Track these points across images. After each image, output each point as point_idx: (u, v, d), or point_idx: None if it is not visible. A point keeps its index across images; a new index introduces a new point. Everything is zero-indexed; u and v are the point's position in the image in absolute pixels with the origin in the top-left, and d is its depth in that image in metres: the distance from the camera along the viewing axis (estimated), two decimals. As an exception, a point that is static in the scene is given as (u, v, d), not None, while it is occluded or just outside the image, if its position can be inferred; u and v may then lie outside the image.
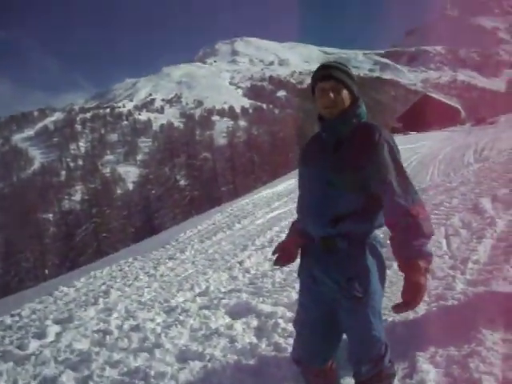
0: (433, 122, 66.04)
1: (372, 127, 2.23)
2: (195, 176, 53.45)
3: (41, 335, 5.33)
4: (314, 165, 2.35)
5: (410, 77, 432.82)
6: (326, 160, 2.28)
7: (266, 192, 16.24)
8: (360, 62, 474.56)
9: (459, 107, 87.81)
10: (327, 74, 2.25)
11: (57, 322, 5.83)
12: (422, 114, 71.47)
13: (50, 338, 5.22)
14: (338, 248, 2.26)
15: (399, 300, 4.45)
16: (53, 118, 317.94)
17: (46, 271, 43.72)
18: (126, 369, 3.97)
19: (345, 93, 2.26)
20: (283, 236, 8.12)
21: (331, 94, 2.24)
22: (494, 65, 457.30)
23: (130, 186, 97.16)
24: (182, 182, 54.07)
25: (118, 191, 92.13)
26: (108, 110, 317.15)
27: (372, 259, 2.28)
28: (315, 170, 2.33)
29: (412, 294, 2.07)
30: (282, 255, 2.57)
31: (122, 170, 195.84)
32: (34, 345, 4.96)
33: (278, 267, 6.54)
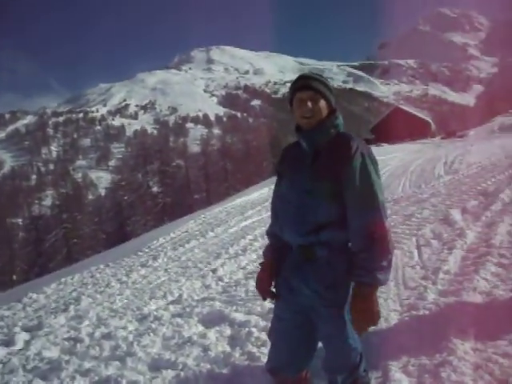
0: (404, 134, 67.06)
1: (350, 139, 2.24)
2: (168, 183, 53.16)
3: (9, 343, 5.22)
4: (293, 174, 2.35)
5: (382, 89, 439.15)
6: (304, 169, 2.29)
7: (239, 200, 16.23)
8: (334, 74, 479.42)
9: (430, 120, 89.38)
10: (306, 84, 2.27)
11: (26, 329, 5.71)
12: (393, 126, 72.43)
13: (19, 345, 5.12)
14: (317, 256, 2.26)
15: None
16: (24, 121, 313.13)
17: (14, 277, 42.79)
18: (96, 377, 3.91)
19: (322, 103, 2.28)
20: (256, 244, 8.17)
21: (309, 104, 2.25)
22: (464, 80, 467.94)
23: (102, 192, 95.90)
24: (155, 189, 53.74)
25: (90, 197, 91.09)
26: (81, 115, 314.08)
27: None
28: (293, 179, 2.34)
29: (358, 323, 2.16)
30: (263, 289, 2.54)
31: (94, 175, 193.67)
32: (1, 352, 4.86)
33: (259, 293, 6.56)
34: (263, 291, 2.50)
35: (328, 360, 2.41)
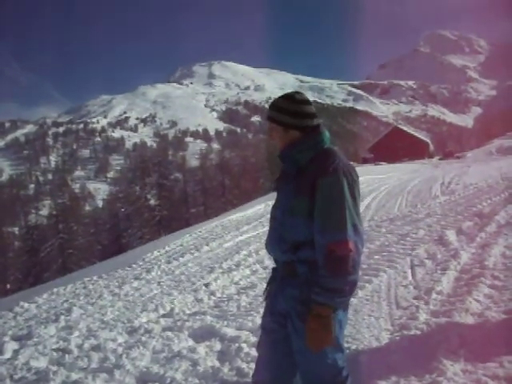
0: (402, 154, 67.39)
1: (330, 155, 2.29)
2: (165, 196, 52.98)
3: (-3, 351, 5.17)
4: (279, 192, 2.47)
5: (382, 109, 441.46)
6: (286, 187, 2.38)
7: (235, 215, 16.20)
8: (334, 92, 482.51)
9: (428, 141, 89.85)
10: (267, 116, 2.44)
11: (15, 338, 5.66)
12: (392, 146, 72.94)
13: (7, 354, 5.07)
14: (297, 273, 2.30)
15: (364, 328, 4.49)
16: (24, 131, 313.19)
17: (8, 286, 42.52)
18: (84, 389, 3.88)
19: (277, 129, 2.41)
20: (250, 260, 8.17)
21: (270, 134, 2.45)
22: (463, 102, 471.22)
23: (100, 204, 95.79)
24: (152, 202, 53.53)
25: (87, 208, 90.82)
26: (81, 126, 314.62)
27: None
28: (279, 196, 2.45)
29: (310, 342, 2.16)
30: None
31: (92, 186, 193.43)
32: (-11, 361, 4.81)
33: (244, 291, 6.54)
34: None
35: (302, 376, 2.40)
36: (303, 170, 2.30)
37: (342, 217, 2.14)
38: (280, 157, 2.44)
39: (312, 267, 2.24)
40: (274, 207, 2.47)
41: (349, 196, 2.18)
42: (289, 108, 2.36)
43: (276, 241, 2.39)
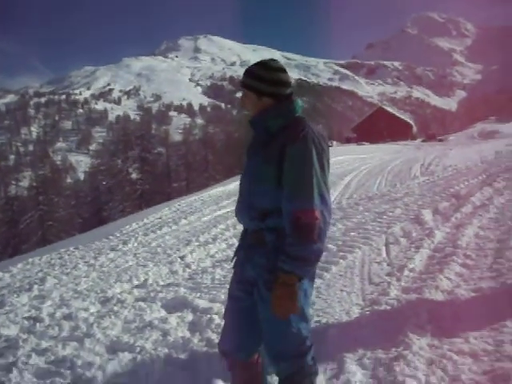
0: (386, 135, 67.72)
1: (300, 123, 2.27)
2: (148, 170, 52.67)
3: (-32, 319, 5.13)
4: (247, 160, 2.44)
5: (367, 89, 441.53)
6: (256, 155, 2.35)
7: (216, 190, 16.19)
8: (320, 71, 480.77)
9: (412, 122, 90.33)
10: (240, 81, 2.41)
11: (-13, 306, 5.62)
12: (375, 126, 73.20)
13: (-22, 322, 5.02)
14: (265, 241, 2.29)
15: (335, 302, 4.54)
16: (5, 100, 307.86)
17: (-14, 256, 42.15)
18: (53, 357, 3.87)
19: (249, 95, 2.37)
20: (227, 234, 8.18)
21: (243, 101, 2.42)
22: (448, 85, 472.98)
23: (81, 176, 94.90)
24: (134, 176, 53.19)
25: (68, 180, 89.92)
26: (64, 97, 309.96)
27: None
28: (247, 165, 2.43)
29: (275, 310, 2.16)
30: None
31: (73, 158, 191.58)
32: (-41, 329, 4.76)
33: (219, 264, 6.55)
34: None
35: (267, 344, 2.40)
36: (273, 137, 2.28)
37: (309, 185, 2.12)
38: (251, 123, 2.41)
39: (280, 235, 2.24)
40: (243, 175, 2.45)
41: (317, 164, 2.16)
42: (263, 75, 2.33)
43: (245, 208, 2.38)
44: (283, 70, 2.38)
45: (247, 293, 2.41)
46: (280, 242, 2.22)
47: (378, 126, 73.09)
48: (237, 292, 2.48)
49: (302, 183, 2.14)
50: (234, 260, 2.56)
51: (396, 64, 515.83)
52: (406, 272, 5.21)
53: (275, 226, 2.26)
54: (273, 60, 2.43)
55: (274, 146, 2.24)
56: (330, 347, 3.58)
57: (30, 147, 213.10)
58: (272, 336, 2.34)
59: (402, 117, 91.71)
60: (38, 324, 4.70)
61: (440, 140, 59.96)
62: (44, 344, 4.15)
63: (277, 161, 2.20)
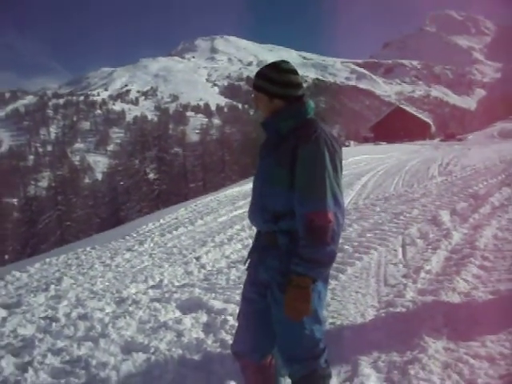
0: (403, 135, 67.24)
1: (312, 124, 2.26)
2: (165, 170, 52.90)
3: (-14, 319, 5.19)
4: (260, 162, 2.44)
5: (385, 88, 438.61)
6: (267, 157, 2.35)
7: (232, 190, 16.21)
8: (337, 70, 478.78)
9: (430, 122, 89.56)
10: (252, 84, 2.42)
11: (4, 306, 5.68)
12: (393, 126, 72.73)
13: (-4, 322, 5.09)
14: (278, 243, 2.29)
15: (350, 304, 4.50)
16: (24, 101, 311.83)
17: (6, 256, 42.65)
18: (68, 357, 3.90)
19: (262, 98, 2.38)
20: (243, 234, 8.17)
21: (255, 103, 2.43)
22: (467, 83, 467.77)
23: (99, 176, 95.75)
24: (151, 176, 53.43)
25: (86, 180, 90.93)
26: (82, 98, 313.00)
27: None
28: (259, 166, 2.43)
29: (288, 312, 2.16)
30: None
31: (91, 159, 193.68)
32: (-23, 328, 4.82)
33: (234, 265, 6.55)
34: None
35: (280, 346, 2.40)
36: (284, 139, 2.27)
37: (322, 187, 2.11)
38: (263, 125, 2.42)
39: (293, 238, 2.24)
40: (256, 177, 2.45)
41: (330, 166, 2.15)
42: (274, 77, 2.33)
43: (258, 210, 2.37)
44: (294, 72, 2.37)
45: (260, 295, 2.41)
46: (293, 245, 2.22)
47: (395, 126, 72.61)
48: (250, 294, 2.48)
49: (314, 185, 2.13)
50: (248, 262, 2.56)
51: (414, 63, 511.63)
52: (423, 274, 5.16)
53: (288, 228, 2.26)
54: (284, 62, 2.42)
55: (285, 148, 2.24)
56: (344, 349, 3.56)
57: (49, 148, 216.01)
58: (285, 338, 2.33)
59: (420, 116, 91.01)
60: (54, 324, 4.74)
61: (459, 139, 59.35)
62: (59, 344, 4.18)
63: (289, 163, 2.20)
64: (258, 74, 2.40)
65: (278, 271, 2.27)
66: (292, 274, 2.13)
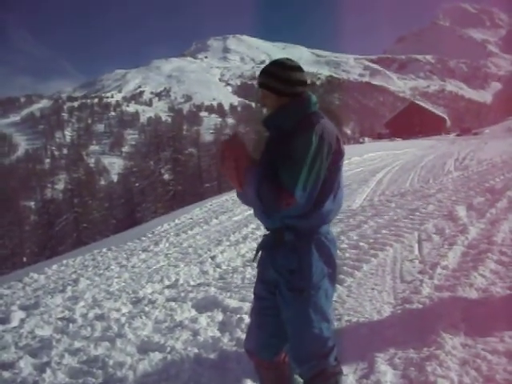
0: (419, 130, 66.77)
1: (310, 118, 2.25)
2: (180, 171, 53.15)
3: (5, 320, 5.27)
4: (263, 159, 2.39)
5: (399, 84, 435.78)
6: (270, 153, 2.33)
7: (247, 190, 16.20)
8: (351, 67, 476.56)
9: (445, 117, 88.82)
10: (258, 83, 2.43)
11: (22, 307, 5.75)
12: (408, 122, 72.26)
13: (14, 323, 5.16)
14: (285, 240, 2.29)
15: (366, 301, 4.47)
16: (39, 105, 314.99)
17: (24, 259, 43.11)
18: (85, 357, 3.94)
19: (268, 96, 2.37)
20: (258, 233, 8.16)
21: (263, 101, 2.41)
22: (482, 77, 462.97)
23: (114, 178, 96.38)
24: (167, 177, 53.71)
25: (102, 182, 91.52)
26: (96, 100, 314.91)
27: (318, 255, 2.28)
28: (263, 164, 2.36)
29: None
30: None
31: (106, 161, 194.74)
32: (-4, 330, 4.89)
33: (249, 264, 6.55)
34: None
35: (290, 346, 2.39)
36: (287, 136, 2.27)
37: (302, 173, 2.12)
38: (264, 123, 2.42)
39: (298, 235, 2.26)
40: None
41: (311, 157, 2.14)
42: (280, 74, 2.32)
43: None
44: (299, 69, 2.37)
45: (270, 293, 2.41)
46: (298, 242, 2.25)
47: (410, 122, 72.17)
48: (260, 291, 2.49)
49: (292, 166, 2.13)
50: (258, 259, 2.55)
51: (428, 57, 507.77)
52: (439, 270, 5.11)
53: (293, 224, 2.27)
54: (289, 59, 2.41)
55: (287, 145, 2.23)
56: (360, 346, 3.54)
57: (65, 151, 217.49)
58: (294, 337, 2.34)
59: (436, 111, 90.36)
60: (71, 324, 4.79)
61: (475, 134, 58.77)
62: (77, 344, 4.22)
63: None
64: (264, 72, 2.38)
65: (285, 269, 2.28)
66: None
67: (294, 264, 2.24)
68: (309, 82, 2.43)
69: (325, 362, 2.32)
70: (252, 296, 4.86)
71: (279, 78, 2.32)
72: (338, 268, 2.42)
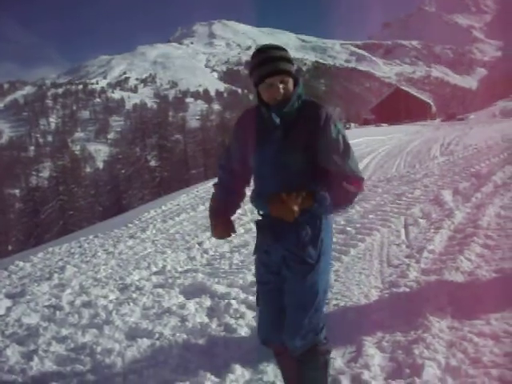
0: (404, 116, 66.98)
1: (319, 107, 2.26)
2: (166, 157, 52.91)
3: (-9, 309, 5.20)
4: (261, 147, 2.33)
5: (385, 69, 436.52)
6: (275, 143, 2.28)
7: (233, 176, 16.16)
8: (337, 52, 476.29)
9: (431, 102, 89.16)
10: (275, 69, 2.22)
11: (8, 296, 5.68)
12: (394, 107, 72.42)
13: (0, 311, 5.09)
14: (298, 221, 2.24)
15: (353, 285, 4.49)
16: (23, 92, 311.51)
17: (10, 247, 42.81)
18: (73, 344, 3.91)
19: (290, 81, 2.28)
20: (245, 219, 8.13)
21: (281, 89, 2.24)
22: (468, 63, 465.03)
23: (100, 165, 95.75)
24: (153, 163, 53.48)
25: (88, 169, 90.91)
26: (80, 87, 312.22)
27: (327, 227, 2.35)
28: (264, 153, 2.32)
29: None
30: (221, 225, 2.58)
31: (92, 148, 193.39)
32: (-18, 318, 4.83)
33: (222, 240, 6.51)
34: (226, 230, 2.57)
35: (288, 317, 2.37)
36: (290, 123, 2.25)
37: (352, 158, 2.29)
38: (269, 114, 2.29)
39: (308, 213, 2.24)
40: (258, 164, 2.36)
41: (346, 139, 2.31)
42: (290, 57, 2.30)
43: (266, 196, 2.28)
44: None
45: (274, 274, 2.40)
46: (309, 219, 2.27)
47: (396, 107, 72.29)
48: (264, 276, 2.46)
49: (350, 155, 2.28)
50: (255, 246, 2.51)
51: (414, 43, 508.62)
52: (426, 254, 5.15)
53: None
54: (270, 43, 2.36)
55: (296, 135, 2.24)
56: (348, 330, 3.56)
57: (49, 138, 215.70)
58: (295, 309, 2.33)
59: (421, 97, 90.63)
60: (58, 312, 4.75)
61: (460, 119, 59.07)
62: (64, 332, 4.19)
63: (303, 150, 2.23)
64: (281, 59, 2.24)
65: (294, 244, 2.28)
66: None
67: (301, 239, 2.26)
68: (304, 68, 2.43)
69: (316, 338, 2.34)
70: (240, 282, 4.93)
71: (291, 61, 2.30)
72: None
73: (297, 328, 2.33)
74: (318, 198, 2.19)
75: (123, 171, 50.75)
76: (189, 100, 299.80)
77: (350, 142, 2.32)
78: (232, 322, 4.00)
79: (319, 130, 2.20)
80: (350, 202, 2.35)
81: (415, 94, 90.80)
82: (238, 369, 3.18)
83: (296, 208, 2.13)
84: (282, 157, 2.25)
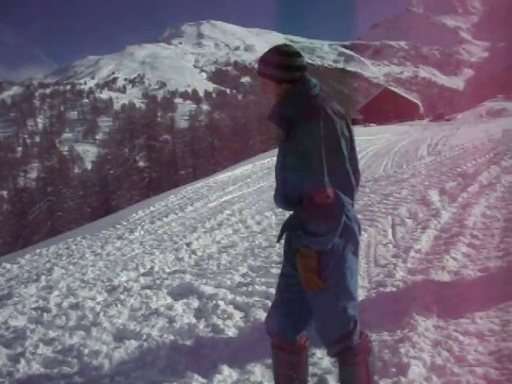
0: (392, 116, 67.28)
1: (311, 102, 2.26)
2: (154, 158, 52.78)
3: (-23, 311, 5.16)
4: (278, 150, 2.44)
5: (373, 70, 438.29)
6: (282, 144, 2.37)
7: (222, 176, 16.18)
8: (325, 53, 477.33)
9: (418, 103, 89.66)
10: (257, 72, 2.42)
11: (-5, 298, 5.65)
12: (382, 107, 72.72)
13: (-13, 314, 5.06)
14: None
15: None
16: (10, 92, 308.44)
17: (-3, 249, 42.42)
18: (60, 346, 3.90)
19: (271, 83, 2.36)
20: (233, 219, 8.15)
21: (263, 89, 2.43)
22: (455, 63, 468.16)
23: (88, 166, 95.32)
24: (141, 164, 53.34)
25: (76, 170, 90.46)
26: (68, 87, 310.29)
27: (342, 235, 2.24)
28: (277, 155, 2.43)
29: (302, 280, 2.23)
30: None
31: (80, 148, 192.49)
32: (-32, 321, 4.79)
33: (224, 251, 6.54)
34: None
35: (315, 324, 2.39)
36: (293, 123, 2.27)
37: (317, 164, 2.14)
38: (269, 118, 2.43)
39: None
40: (276, 165, 2.47)
41: (323, 144, 2.16)
42: (279, 61, 2.32)
43: (279, 196, 2.41)
44: (297, 54, 2.37)
45: (294, 268, 2.35)
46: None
47: (384, 107, 72.58)
48: (285, 269, 2.48)
49: (310, 162, 2.16)
50: (284, 244, 2.52)
51: (402, 44, 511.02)
52: (412, 253, 5.19)
53: None
54: (285, 45, 2.41)
55: (292, 136, 2.26)
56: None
57: (37, 139, 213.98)
58: (319, 315, 2.33)
59: (409, 97, 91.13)
60: (45, 314, 4.72)
61: (447, 119, 59.47)
62: (51, 334, 4.17)
63: (296, 147, 2.23)
64: (263, 61, 2.38)
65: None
66: (299, 245, 2.19)
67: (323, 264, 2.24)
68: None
69: (348, 341, 2.29)
70: (228, 282, 4.94)
71: (277, 65, 2.32)
72: (359, 246, 2.42)
73: (326, 335, 2.35)
74: (314, 248, 2.16)
75: (112, 172, 50.57)
76: (177, 100, 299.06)
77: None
78: (219, 322, 4.00)
79: (301, 127, 2.21)
80: (322, 215, 2.12)
81: (403, 94, 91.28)
82: (226, 369, 3.18)
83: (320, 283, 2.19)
84: (281, 160, 2.35)
